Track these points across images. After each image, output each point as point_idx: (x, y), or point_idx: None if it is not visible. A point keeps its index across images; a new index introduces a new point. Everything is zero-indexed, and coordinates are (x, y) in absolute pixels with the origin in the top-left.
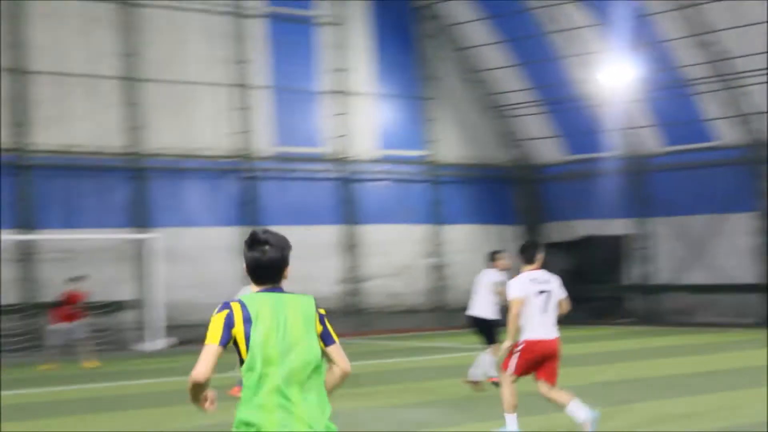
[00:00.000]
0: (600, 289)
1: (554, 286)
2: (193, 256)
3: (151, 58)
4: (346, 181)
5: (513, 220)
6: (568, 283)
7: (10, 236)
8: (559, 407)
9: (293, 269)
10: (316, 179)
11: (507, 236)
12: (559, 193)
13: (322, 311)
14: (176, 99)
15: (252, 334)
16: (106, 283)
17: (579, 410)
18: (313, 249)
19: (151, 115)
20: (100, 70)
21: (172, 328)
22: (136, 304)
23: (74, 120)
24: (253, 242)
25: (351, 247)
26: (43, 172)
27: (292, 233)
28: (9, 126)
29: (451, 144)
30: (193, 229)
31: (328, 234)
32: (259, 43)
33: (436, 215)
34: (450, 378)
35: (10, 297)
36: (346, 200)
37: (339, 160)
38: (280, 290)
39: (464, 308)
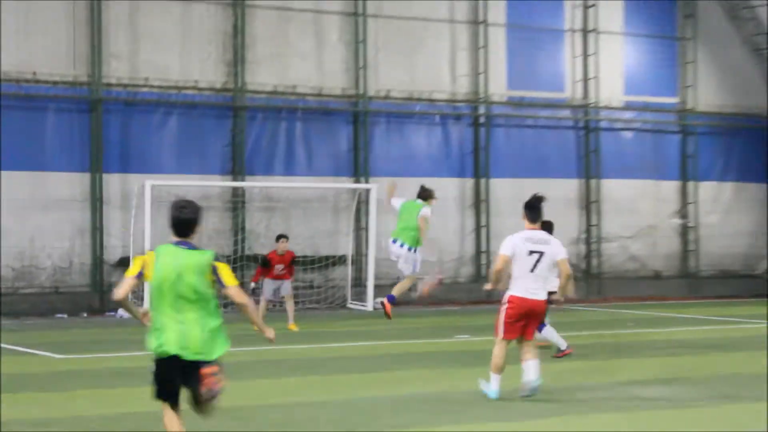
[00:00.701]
0: None
1: (551, 248)
2: None
3: None
4: (587, 130)
5: None
6: None
7: (220, 183)
8: (522, 358)
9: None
10: (553, 127)
11: None
12: None
13: (218, 264)
14: (402, 37)
15: (156, 273)
16: (318, 237)
17: (531, 371)
18: (547, 205)
19: (376, 54)
20: (323, 5)
21: (381, 288)
22: (348, 261)
23: (293, 59)
24: (175, 206)
25: (589, 204)
26: (257, 114)
27: (524, 186)
28: (223, 64)
29: (709, 90)
30: (414, 179)
31: (563, 188)
32: None
33: (688, 170)
34: (697, 354)
35: (218, 248)
36: (586, 151)
37: (580, 107)
38: (187, 245)
39: (717, 276)
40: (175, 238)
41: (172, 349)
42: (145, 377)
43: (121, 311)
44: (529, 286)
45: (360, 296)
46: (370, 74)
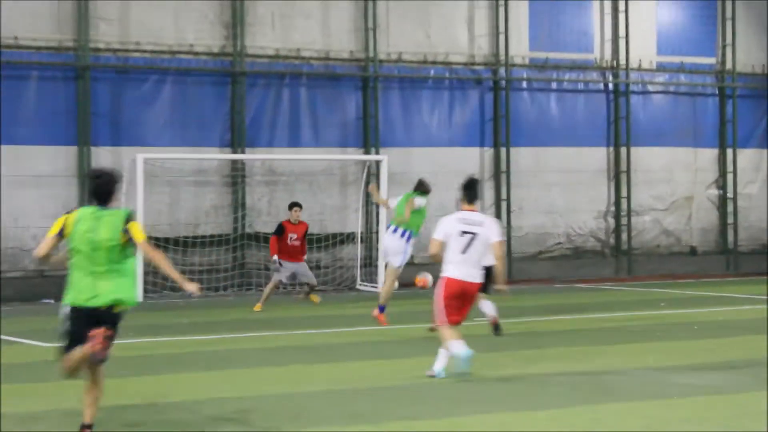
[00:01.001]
0: None
1: (485, 229)
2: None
3: None
4: (617, 94)
5: None
6: None
7: (218, 155)
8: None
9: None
10: (579, 91)
11: None
12: None
13: (129, 223)
14: None
15: (75, 231)
16: (325, 213)
17: (440, 359)
18: (573, 176)
19: (387, 14)
20: None
21: None
22: (358, 239)
23: (297, 19)
24: (92, 176)
25: (619, 174)
26: (258, 80)
27: (548, 156)
28: (221, 26)
29: (750, 50)
30: (427, 150)
31: (591, 157)
32: None
33: (727, 136)
34: (737, 336)
35: (216, 227)
36: (616, 117)
37: (609, 69)
38: (105, 207)
39: (758, 251)
40: (96, 203)
41: (82, 301)
42: (140, 367)
43: None
44: (462, 267)
45: (370, 277)
46: (380, 36)
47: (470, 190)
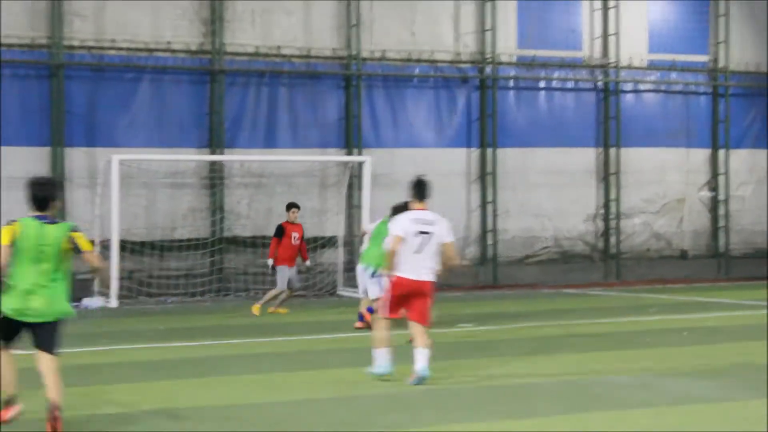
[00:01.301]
0: None
1: (438, 229)
2: None
3: None
4: (607, 93)
5: None
6: None
7: (195, 156)
8: (414, 344)
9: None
10: (568, 90)
11: None
12: None
13: (75, 233)
14: None
15: (20, 244)
16: (305, 216)
17: (420, 359)
18: (561, 177)
19: (370, 10)
20: None
21: None
22: (339, 242)
23: (277, 16)
24: (32, 183)
25: (608, 175)
26: (237, 79)
27: (536, 156)
28: (199, 23)
29: (744, 47)
30: (412, 150)
31: (580, 158)
32: None
33: (720, 136)
34: (729, 342)
35: (193, 230)
36: (606, 117)
37: (599, 67)
38: (45, 218)
39: (750, 255)
40: (35, 212)
41: (18, 315)
42: (115, 375)
43: (85, 302)
44: (414, 267)
45: (352, 282)
46: (363, 33)
47: (420, 189)
